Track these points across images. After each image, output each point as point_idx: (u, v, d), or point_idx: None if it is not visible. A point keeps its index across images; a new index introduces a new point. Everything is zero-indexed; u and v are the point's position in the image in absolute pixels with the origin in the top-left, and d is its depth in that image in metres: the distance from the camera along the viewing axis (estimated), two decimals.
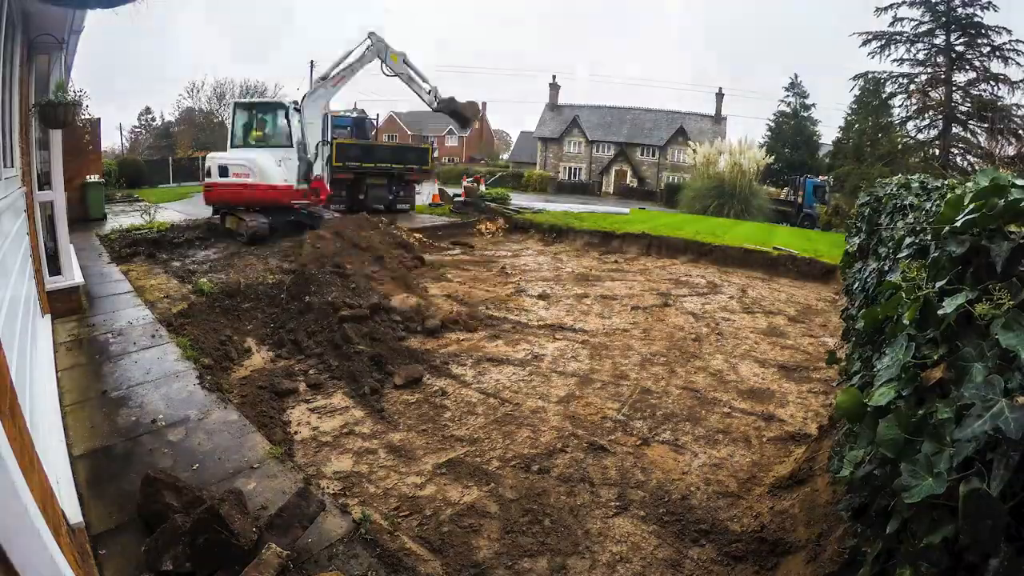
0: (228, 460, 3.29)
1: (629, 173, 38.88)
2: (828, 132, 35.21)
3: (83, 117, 12.74)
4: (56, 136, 5.39)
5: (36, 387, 3.34)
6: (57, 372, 4.19)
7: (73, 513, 2.49)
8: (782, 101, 34.96)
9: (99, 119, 13.46)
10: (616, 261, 11.75)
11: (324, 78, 10.80)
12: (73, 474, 2.91)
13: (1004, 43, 22.52)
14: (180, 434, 3.53)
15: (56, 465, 2.77)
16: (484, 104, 54.30)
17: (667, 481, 3.67)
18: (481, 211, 15.86)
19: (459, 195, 17.12)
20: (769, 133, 34.81)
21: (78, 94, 5.26)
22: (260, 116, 11.28)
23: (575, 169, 40.70)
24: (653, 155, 38.78)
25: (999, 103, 22.45)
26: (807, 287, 10.11)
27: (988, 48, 22.84)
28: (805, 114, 34.39)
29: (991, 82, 22.89)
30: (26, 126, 4.99)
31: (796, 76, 35.19)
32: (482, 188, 17.67)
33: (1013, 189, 1.27)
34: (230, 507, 2.41)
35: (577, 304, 8.00)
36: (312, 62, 39.54)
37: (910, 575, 1.16)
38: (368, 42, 10.63)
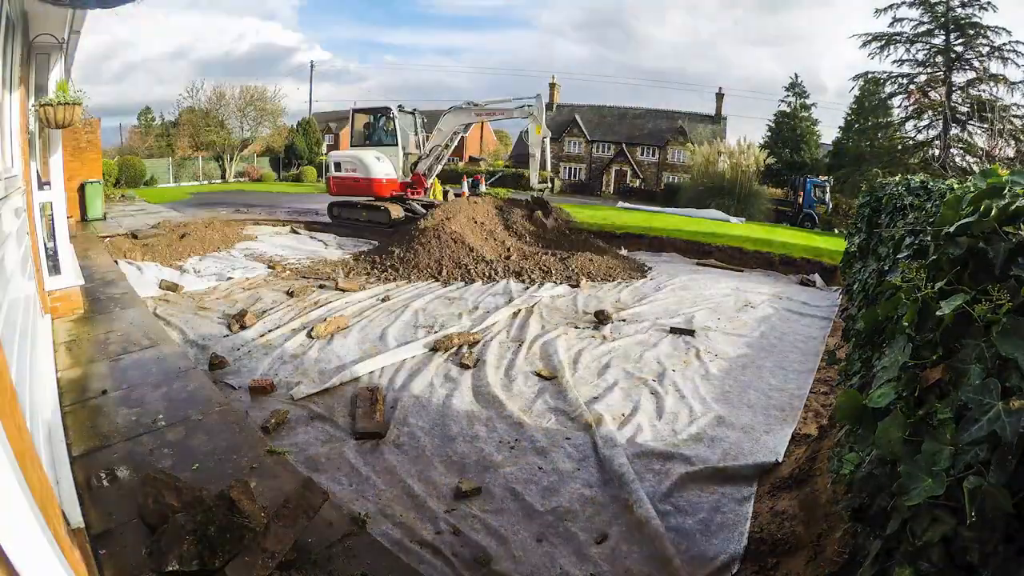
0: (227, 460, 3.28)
1: (629, 173, 38.81)
2: (828, 132, 35.13)
3: (83, 117, 12.84)
4: (56, 136, 5.39)
5: (36, 387, 3.33)
6: (57, 372, 4.19)
7: (73, 513, 2.49)
8: (782, 101, 34.89)
9: (99, 119, 13.51)
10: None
11: (475, 104, 12.25)
12: (73, 474, 2.90)
13: (1003, 43, 22.54)
14: (180, 433, 3.53)
15: (56, 465, 2.77)
16: None
17: None
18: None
19: (459, 195, 17.12)
20: (769, 133, 34.76)
21: (78, 94, 5.24)
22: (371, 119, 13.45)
23: (575, 169, 40.65)
24: (653, 155, 38.72)
25: (998, 103, 22.46)
26: None
27: (987, 48, 22.85)
28: (805, 114, 34.32)
29: (990, 82, 22.90)
30: (26, 126, 4.98)
31: (796, 76, 35.14)
32: (483, 188, 17.69)
33: (1008, 193, 1.27)
34: (239, 492, 2.43)
35: None
36: (312, 62, 39.50)
37: (910, 575, 1.17)
38: (530, 103, 11.54)
